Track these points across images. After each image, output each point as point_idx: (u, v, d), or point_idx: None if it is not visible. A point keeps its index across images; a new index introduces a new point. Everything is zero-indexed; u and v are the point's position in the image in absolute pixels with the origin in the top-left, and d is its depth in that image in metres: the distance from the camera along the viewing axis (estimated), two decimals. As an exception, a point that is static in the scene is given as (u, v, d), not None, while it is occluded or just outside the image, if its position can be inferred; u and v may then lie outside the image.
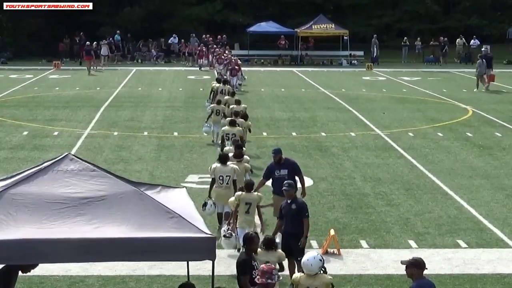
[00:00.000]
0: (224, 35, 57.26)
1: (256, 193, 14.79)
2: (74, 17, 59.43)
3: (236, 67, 35.84)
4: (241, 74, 38.27)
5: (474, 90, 41.16)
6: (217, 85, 30.42)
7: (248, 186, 14.67)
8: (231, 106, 24.77)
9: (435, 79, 46.51)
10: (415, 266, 9.65)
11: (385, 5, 66.78)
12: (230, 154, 16.75)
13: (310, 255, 10.34)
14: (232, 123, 21.00)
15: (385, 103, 36.33)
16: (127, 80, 45.32)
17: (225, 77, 33.58)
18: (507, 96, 39.72)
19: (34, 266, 10.24)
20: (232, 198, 14.69)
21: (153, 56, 57.56)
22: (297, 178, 15.85)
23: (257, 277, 9.47)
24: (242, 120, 22.14)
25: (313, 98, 37.90)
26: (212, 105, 26.54)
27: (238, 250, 13.88)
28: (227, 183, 15.74)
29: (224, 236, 14.05)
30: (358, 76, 49.34)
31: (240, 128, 21.06)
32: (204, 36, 56.47)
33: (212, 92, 30.37)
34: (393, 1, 67.50)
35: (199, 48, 52.97)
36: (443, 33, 61.43)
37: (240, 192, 14.65)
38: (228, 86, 30.90)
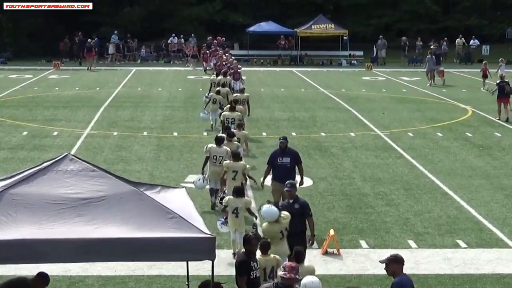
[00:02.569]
0: (223, 38, 56.89)
1: (241, 162, 17.17)
2: (74, 17, 59.42)
3: (238, 71, 35.40)
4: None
5: (427, 84, 43.33)
6: (218, 78, 32.31)
7: (235, 155, 17.11)
8: (234, 94, 27.91)
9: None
10: (396, 262, 9.65)
11: (385, 5, 66.74)
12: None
13: (269, 212, 12.48)
14: (232, 109, 23.75)
15: (385, 103, 36.34)
16: (126, 80, 45.32)
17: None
18: (506, 96, 39.67)
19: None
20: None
21: (141, 55, 57.75)
22: (297, 168, 16.90)
23: (285, 272, 9.36)
24: (241, 107, 25.31)
25: (313, 98, 37.91)
26: (211, 93, 28.86)
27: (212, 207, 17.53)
28: (220, 163, 17.59)
29: (221, 201, 16.07)
30: (358, 76, 49.34)
31: (239, 113, 23.83)
32: (209, 38, 56.12)
33: (212, 85, 31.79)
34: (393, 1, 67.47)
35: (202, 51, 51.65)
36: (442, 33, 61.49)
37: (228, 161, 17.14)
38: (228, 77, 32.55)
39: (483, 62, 43.55)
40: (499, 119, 30.88)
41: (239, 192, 14.77)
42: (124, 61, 56.99)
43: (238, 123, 22.28)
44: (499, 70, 39.42)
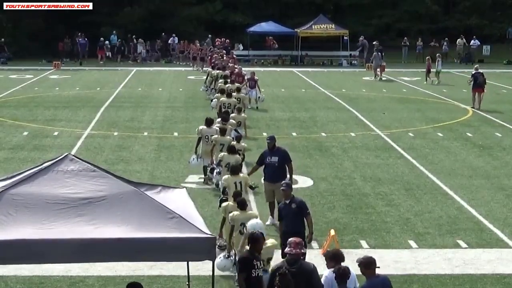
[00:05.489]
0: (227, 40, 56.68)
1: (228, 137, 19.46)
2: (74, 17, 59.46)
3: (255, 78, 34.45)
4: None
5: (372, 78, 46.94)
6: (216, 71, 35.37)
7: (222, 131, 19.54)
8: (227, 85, 30.32)
9: (435, 79, 46.49)
10: (364, 266, 9.80)
11: (385, 5, 66.81)
12: (219, 119, 21.54)
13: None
14: (229, 95, 26.86)
15: (385, 103, 36.34)
16: (127, 80, 45.32)
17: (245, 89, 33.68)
18: (507, 96, 39.75)
19: None
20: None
21: (141, 55, 58.04)
22: (286, 166, 17.15)
23: (290, 249, 10.28)
24: (242, 94, 29.04)
25: (313, 98, 37.91)
26: (220, 84, 31.16)
27: (205, 182, 19.92)
28: (211, 141, 19.43)
29: (211, 171, 18.87)
30: (358, 76, 49.34)
31: (235, 99, 26.61)
32: (218, 40, 55.91)
33: (212, 79, 35.12)
34: (393, 1, 67.53)
35: (210, 54, 51.19)
36: (443, 33, 61.50)
37: (216, 136, 19.36)
38: (227, 72, 35.02)
39: (427, 57, 47.45)
40: (473, 107, 33.84)
41: (231, 150, 17.53)
42: (152, 61, 57.70)
43: (238, 107, 24.66)
44: (437, 66, 44.55)
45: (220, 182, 17.70)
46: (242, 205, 13.62)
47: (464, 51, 59.75)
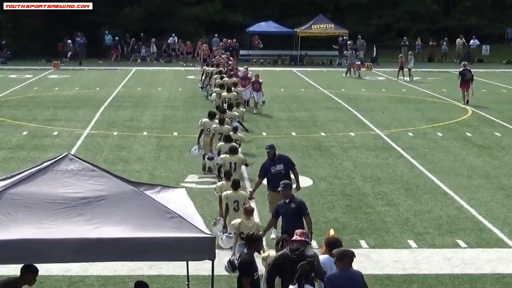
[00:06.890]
0: (234, 39, 56.42)
1: (227, 126, 20.54)
2: (74, 17, 59.44)
3: (260, 81, 34.06)
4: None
5: (343, 75, 48.91)
6: (212, 68, 36.39)
7: (221, 121, 20.59)
8: (224, 79, 31.65)
9: (434, 79, 46.53)
10: (337, 254, 9.77)
11: (385, 5, 66.78)
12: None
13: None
14: (228, 90, 28.20)
15: (385, 103, 36.34)
16: (126, 80, 45.32)
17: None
18: (506, 96, 39.77)
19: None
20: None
21: (140, 55, 58.12)
22: (291, 172, 16.47)
23: (296, 237, 10.63)
24: (239, 89, 30.76)
25: (313, 98, 37.91)
26: (226, 79, 31.73)
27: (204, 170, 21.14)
28: (213, 133, 20.56)
29: (208, 158, 20.30)
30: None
31: (235, 93, 28.02)
32: (225, 40, 55.80)
33: (207, 76, 36.24)
34: (393, 1, 67.51)
35: (213, 53, 50.50)
36: (442, 33, 61.52)
37: (215, 125, 20.46)
38: (220, 68, 35.85)
39: (400, 55, 48.90)
40: (464, 104, 34.92)
41: (227, 139, 18.76)
42: (160, 61, 57.78)
43: (236, 101, 25.59)
44: (409, 63, 46.09)
45: (213, 166, 20.00)
46: (235, 185, 14.79)
47: (463, 51, 59.73)
